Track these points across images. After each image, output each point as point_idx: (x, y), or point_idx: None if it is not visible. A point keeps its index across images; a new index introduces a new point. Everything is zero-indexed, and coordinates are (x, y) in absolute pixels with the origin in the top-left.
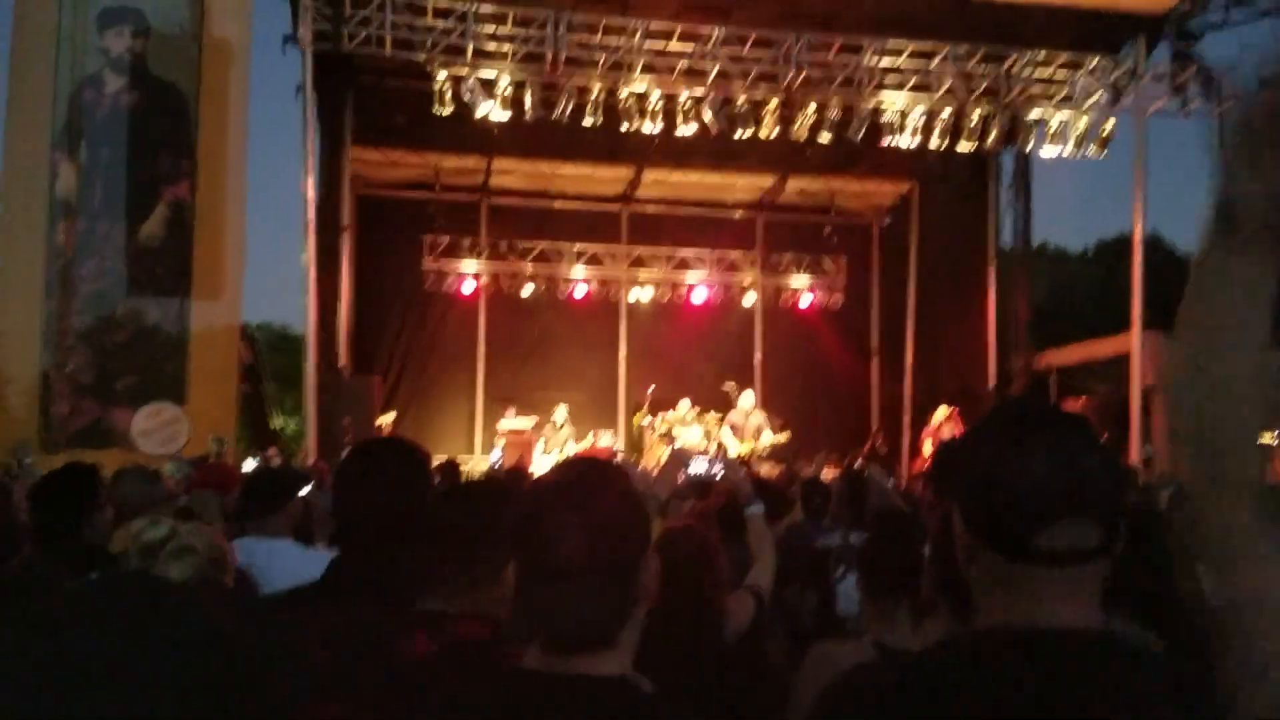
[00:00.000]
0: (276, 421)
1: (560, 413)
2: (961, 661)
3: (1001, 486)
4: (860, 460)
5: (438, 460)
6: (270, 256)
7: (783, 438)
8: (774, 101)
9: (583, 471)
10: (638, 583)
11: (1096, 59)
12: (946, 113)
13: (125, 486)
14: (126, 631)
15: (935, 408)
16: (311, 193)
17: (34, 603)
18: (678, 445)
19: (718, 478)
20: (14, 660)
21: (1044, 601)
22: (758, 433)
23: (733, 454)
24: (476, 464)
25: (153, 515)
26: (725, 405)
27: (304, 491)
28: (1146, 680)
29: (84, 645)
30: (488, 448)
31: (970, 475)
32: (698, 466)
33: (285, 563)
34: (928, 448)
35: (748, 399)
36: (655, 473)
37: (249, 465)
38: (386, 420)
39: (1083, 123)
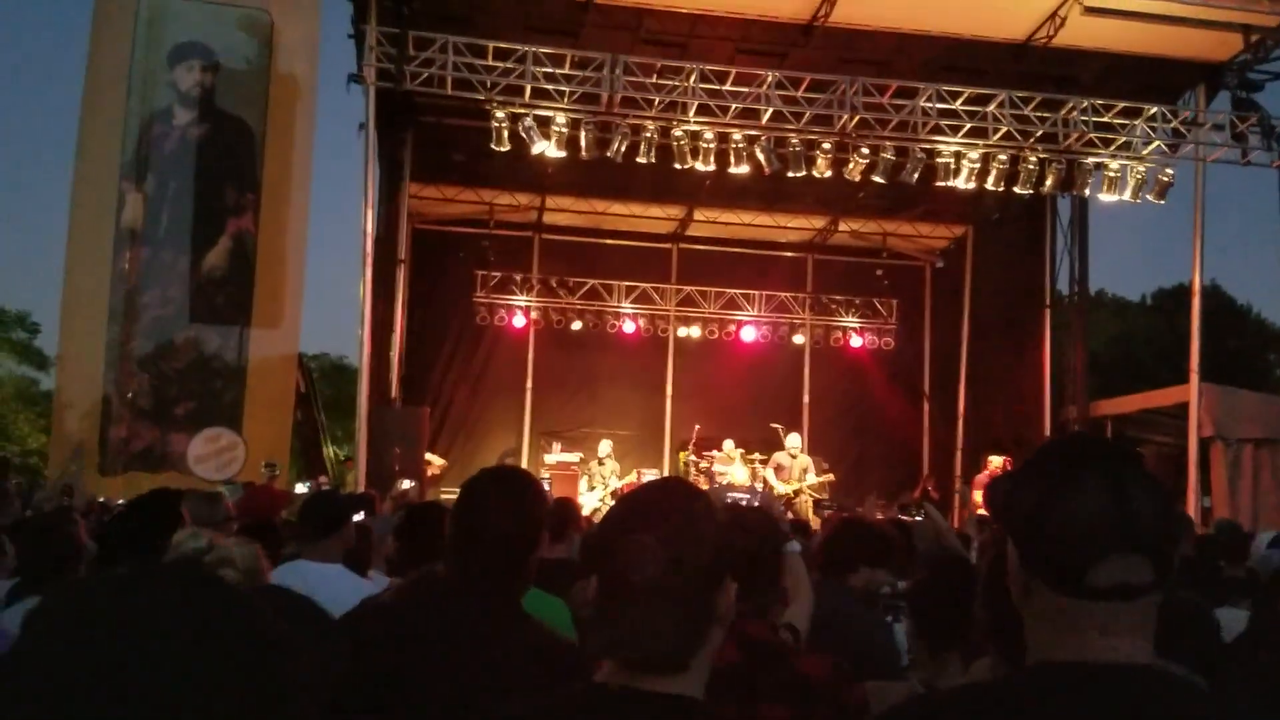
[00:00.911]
0: (328, 450)
1: (605, 447)
2: (1013, 695)
3: (1055, 522)
4: (914, 503)
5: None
6: (328, 288)
7: (827, 479)
8: (827, 144)
9: (665, 492)
10: (715, 605)
11: (1156, 107)
12: (1002, 157)
13: (189, 507)
14: (168, 612)
15: (987, 455)
16: (370, 226)
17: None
18: (719, 482)
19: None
20: (54, 636)
21: (1095, 637)
22: (803, 474)
23: (779, 493)
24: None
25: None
26: (772, 446)
27: (358, 517)
28: (1195, 717)
29: (126, 627)
30: None
31: (1024, 511)
32: (731, 498)
33: (335, 587)
34: (979, 497)
35: (794, 440)
36: None
37: (300, 490)
38: (436, 462)
39: (1141, 170)
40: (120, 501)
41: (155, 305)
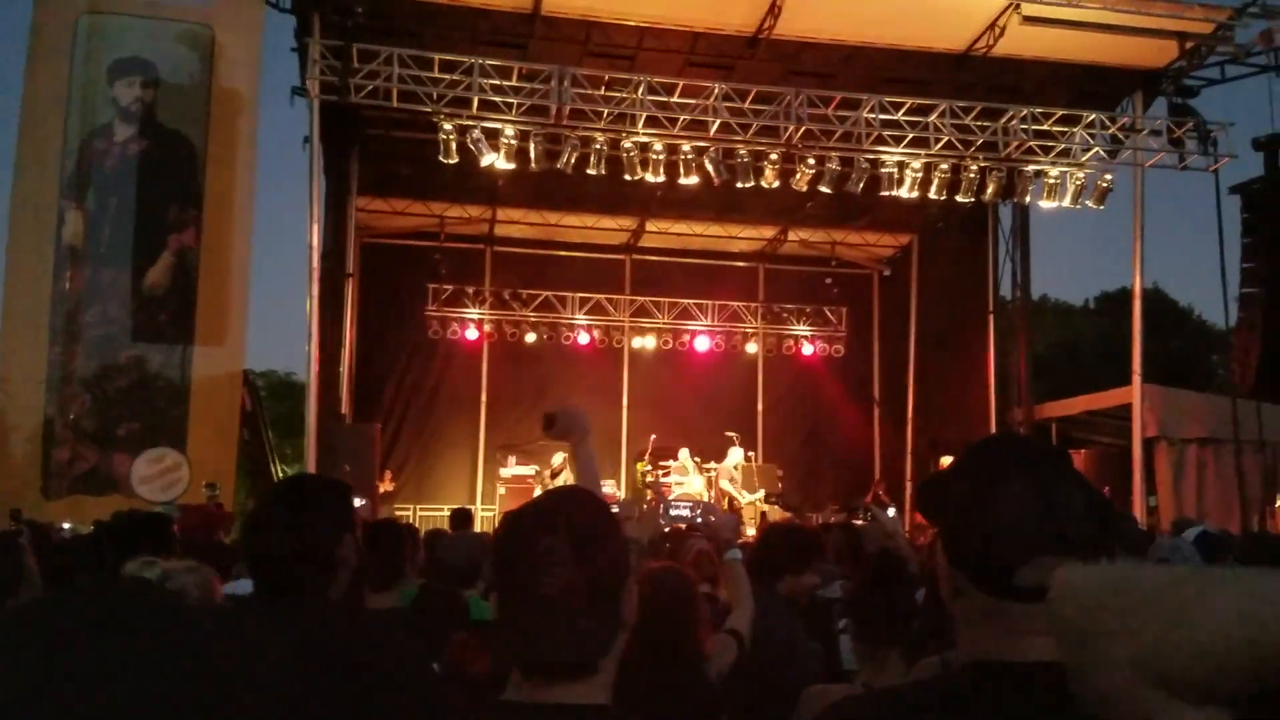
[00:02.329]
0: (277, 469)
1: (559, 459)
2: (942, 694)
3: (982, 523)
4: (863, 507)
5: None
6: (275, 304)
7: (758, 496)
8: (775, 154)
9: (566, 499)
10: (620, 610)
11: (1094, 114)
12: (944, 166)
13: None
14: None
15: (936, 458)
16: (316, 241)
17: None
18: (669, 494)
19: (699, 522)
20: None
21: (1024, 636)
22: (752, 484)
23: (743, 503)
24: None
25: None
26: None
27: None
28: None
29: (70, 642)
30: (489, 496)
31: (952, 513)
32: (678, 511)
33: None
34: None
35: (735, 455)
36: (637, 517)
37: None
38: (386, 485)
39: (1081, 176)
40: (65, 525)
41: (97, 324)
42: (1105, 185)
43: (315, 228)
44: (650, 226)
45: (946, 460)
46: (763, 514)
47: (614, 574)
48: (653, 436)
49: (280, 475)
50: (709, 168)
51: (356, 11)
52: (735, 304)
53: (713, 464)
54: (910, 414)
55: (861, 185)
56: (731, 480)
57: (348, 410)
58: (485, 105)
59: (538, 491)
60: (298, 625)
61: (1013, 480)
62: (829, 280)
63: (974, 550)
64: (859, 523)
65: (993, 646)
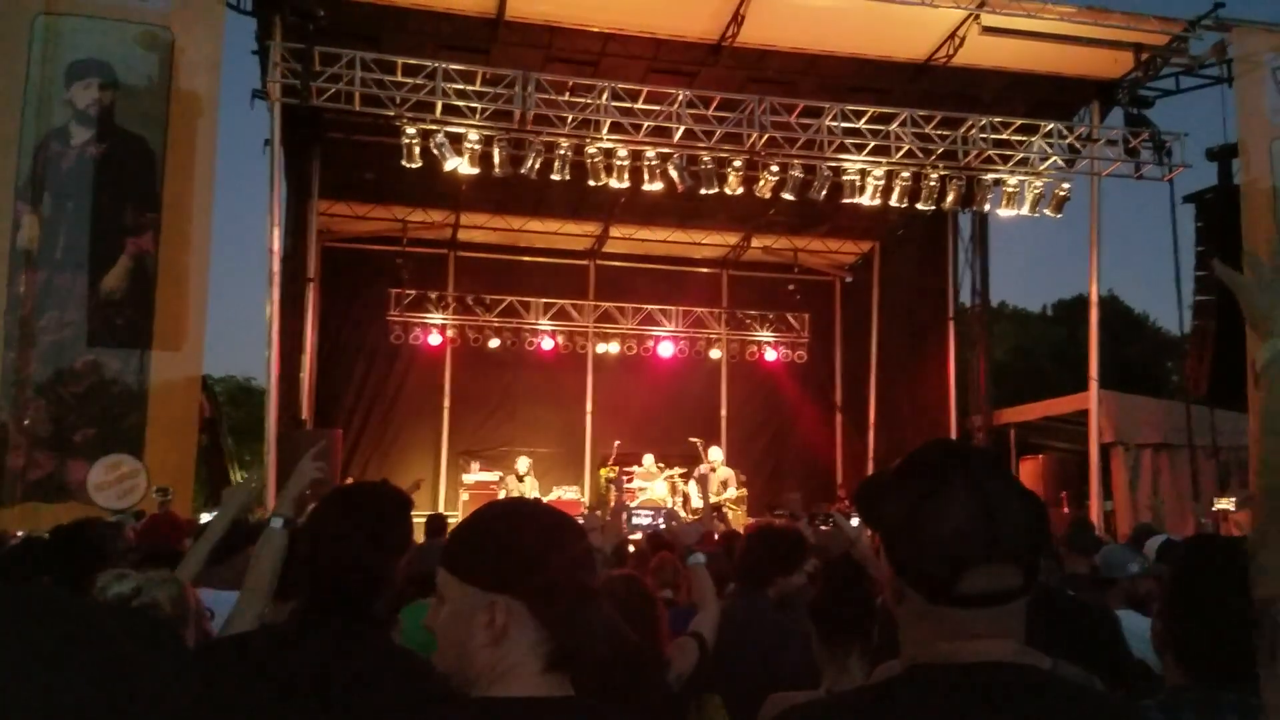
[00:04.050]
0: (236, 475)
1: (523, 464)
2: (884, 696)
3: (923, 533)
4: (825, 513)
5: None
6: (234, 309)
7: (739, 494)
8: (738, 161)
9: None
10: None
11: (1052, 123)
12: (905, 174)
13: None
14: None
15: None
16: (277, 245)
17: None
18: (632, 500)
19: (661, 527)
20: None
21: (967, 640)
22: (723, 487)
23: (698, 507)
24: None
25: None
26: (692, 460)
27: None
28: (1071, 713)
29: None
30: (451, 502)
31: (892, 521)
32: (640, 519)
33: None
34: None
35: (715, 454)
36: (601, 524)
37: (205, 519)
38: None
39: (1038, 185)
40: (19, 534)
41: (52, 329)
42: (1062, 194)
43: (276, 231)
44: (614, 232)
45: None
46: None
47: None
48: (616, 442)
49: (238, 481)
50: (673, 174)
51: (318, 14)
52: (699, 310)
53: (676, 470)
54: (872, 419)
55: (824, 193)
56: (700, 482)
57: (308, 415)
58: (448, 110)
59: (501, 497)
60: (364, 650)
61: (953, 490)
62: (791, 287)
63: (914, 557)
64: (824, 529)
65: (936, 649)
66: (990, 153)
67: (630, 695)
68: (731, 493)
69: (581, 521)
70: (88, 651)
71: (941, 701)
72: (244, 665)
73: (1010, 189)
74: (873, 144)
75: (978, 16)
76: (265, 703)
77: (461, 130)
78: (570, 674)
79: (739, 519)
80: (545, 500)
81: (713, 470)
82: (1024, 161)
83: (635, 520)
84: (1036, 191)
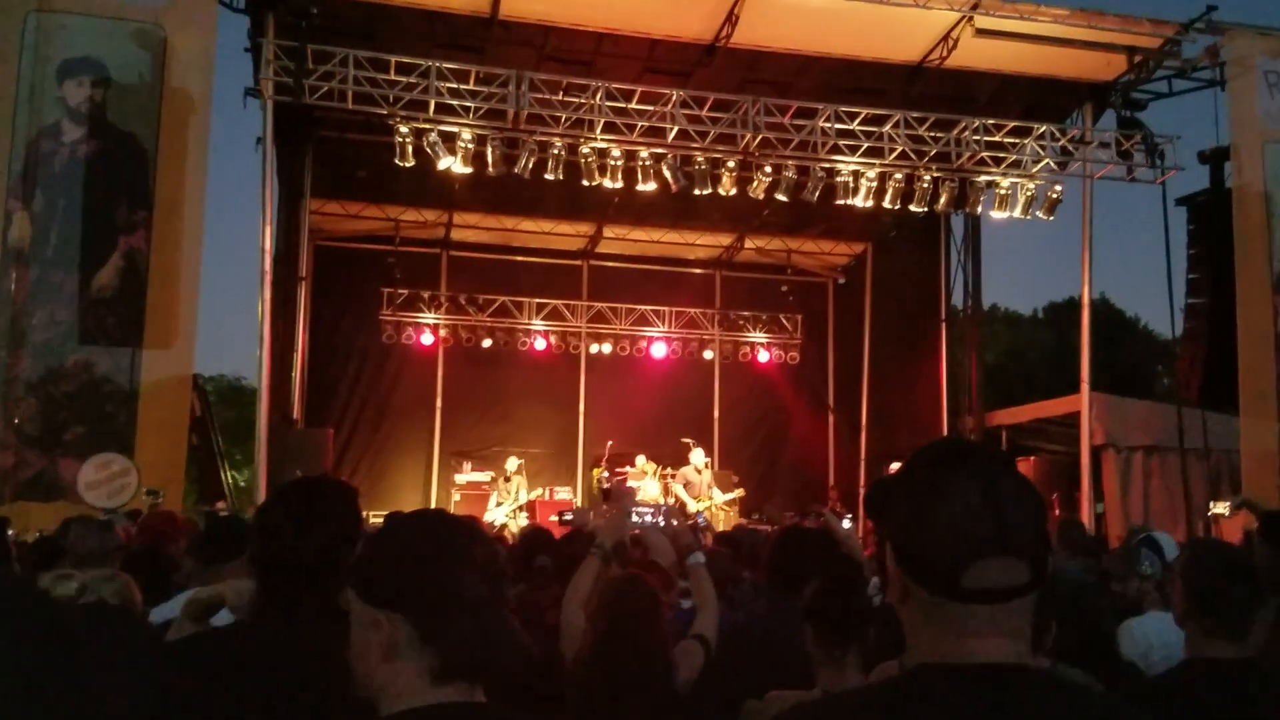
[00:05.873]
0: (227, 474)
1: (512, 464)
2: (889, 697)
3: (929, 526)
4: (815, 512)
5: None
6: (225, 307)
7: (738, 494)
8: (732, 162)
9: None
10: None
11: (1045, 126)
12: (898, 176)
13: (73, 536)
14: None
15: (889, 465)
16: (269, 244)
17: None
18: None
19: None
20: None
21: (972, 637)
22: (709, 489)
23: (691, 510)
24: None
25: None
26: (684, 461)
27: None
28: (1072, 714)
29: None
30: (443, 502)
31: (899, 516)
32: (637, 518)
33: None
34: None
35: (698, 457)
36: (600, 521)
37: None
38: None
39: (1031, 187)
40: (10, 533)
41: (43, 327)
42: (1055, 196)
43: (268, 230)
44: (607, 232)
45: (896, 467)
46: (698, 515)
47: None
48: (609, 443)
49: (230, 481)
50: (666, 174)
51: (311, 12)
52: (692, 310)
53: (669, 470)
54: (864, 421)
55: (817, 194)
56: (687, 485)
57: (299, 415)
58: (442, 108)
59: (493, 497)
60: (317, 637)
61: (959, 484)
62: (784, 288)
63: (920, 552)
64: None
65: (940, 649)
66: (983, 155)
67: (635, 703)
68: (719, 495)
69: (570, 516)
70: (50, 638)
71: (942, 704)
72: (199, 660)
73: (1003, 191)
74: (866, 145)
75: (971, 19)
76: (217, 697)
77: (455, 129)
78: (476, 684)
79: (729, 521)
80: (533, 499)
81: (699, 473)
82: (1017, 164)
83: (635, 519)
84: (1029, 194)
